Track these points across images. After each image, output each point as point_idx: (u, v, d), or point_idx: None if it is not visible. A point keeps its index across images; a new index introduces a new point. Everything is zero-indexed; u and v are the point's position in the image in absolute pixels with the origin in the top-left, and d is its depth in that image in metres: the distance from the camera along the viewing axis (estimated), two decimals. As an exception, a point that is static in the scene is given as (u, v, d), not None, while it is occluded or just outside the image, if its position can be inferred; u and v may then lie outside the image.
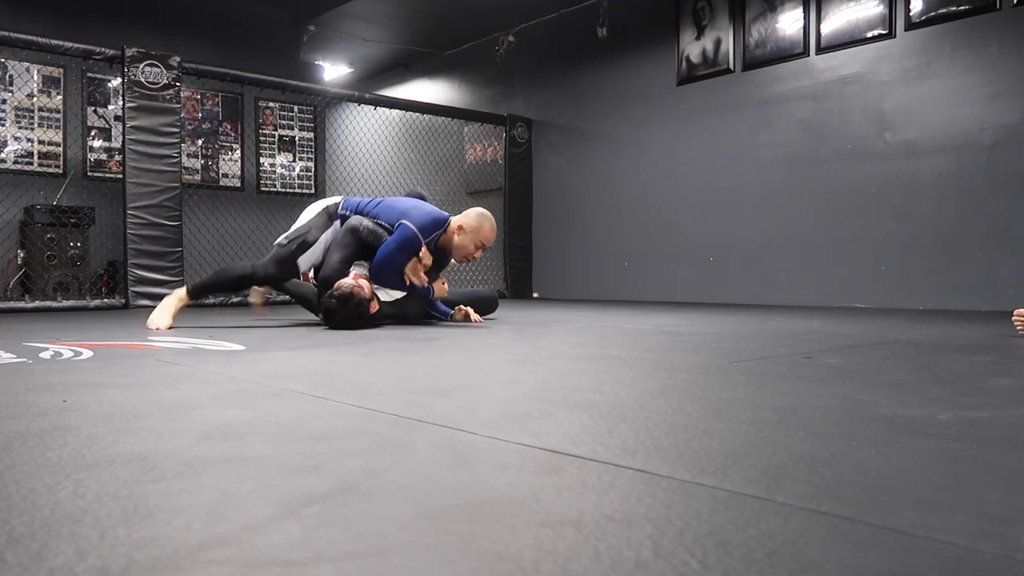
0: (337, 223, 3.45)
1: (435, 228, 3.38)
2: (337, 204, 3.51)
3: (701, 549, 0.61)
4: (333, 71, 9.07)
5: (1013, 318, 2.69)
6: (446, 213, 3.49)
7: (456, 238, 3.43)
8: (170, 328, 3.08)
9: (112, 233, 6.03)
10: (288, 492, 0.76)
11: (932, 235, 4.84)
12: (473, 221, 3.44)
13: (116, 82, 6.35)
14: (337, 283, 3.11)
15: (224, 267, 3.53)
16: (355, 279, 3.13)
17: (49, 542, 0.62)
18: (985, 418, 1.17)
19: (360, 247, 3.35)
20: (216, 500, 0.74)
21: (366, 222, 3.37)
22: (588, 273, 6.95)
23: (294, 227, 3.45)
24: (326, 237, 3.41)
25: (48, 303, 4.85)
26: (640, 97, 6.51)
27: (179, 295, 3.25)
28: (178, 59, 5.29)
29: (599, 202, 6.86)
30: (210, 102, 7.14)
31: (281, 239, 3.39)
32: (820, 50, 5.37)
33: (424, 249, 3.34)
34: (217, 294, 3.59)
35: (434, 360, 2.02)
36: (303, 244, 3.35)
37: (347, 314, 3.05)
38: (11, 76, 6.08)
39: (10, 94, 6.12)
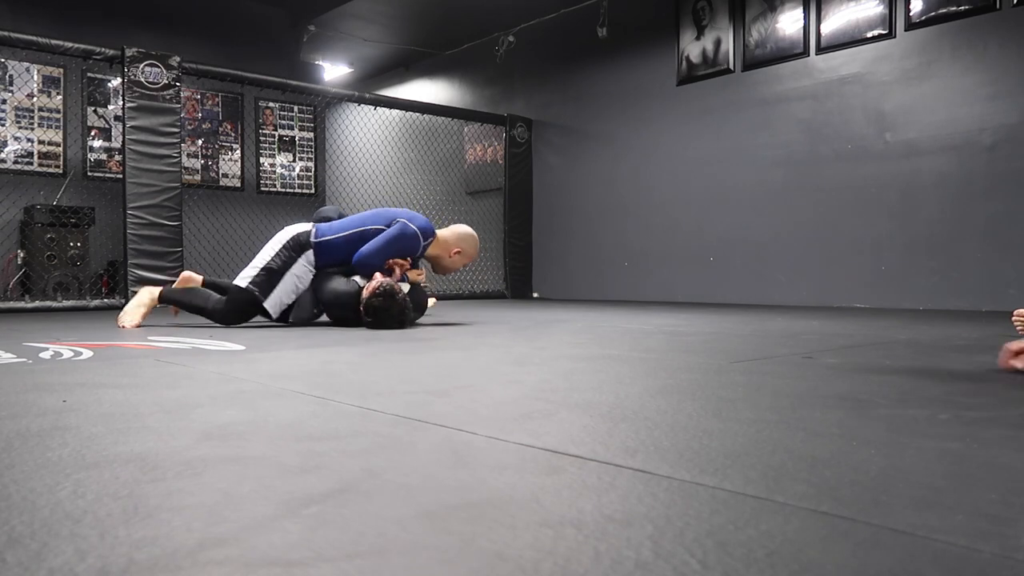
0: (309, 254, 3.32)
1: (430, 234, 3.48)
2: (308, 232, 3.37)
3: (701, 549, 0.61)
4: (333, 71, 9.07)
5: (1013, 318, 2.68)
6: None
7: (449, 259, 3.54)
8: (138, 326, 3.20)
9: (112, 233, 6.03)
10: (288, 492, 0.76)
11: (932, 235, 4.84)
12: (471, 248, 3.58)
13: (116, 82, 6.36)
14: (375, 283, 3.11)
15: (197, 290, 3.41)
16: (381, 278, 3.17)
17: (49, 542, 0.62)
18: (985, 418, 1.17)
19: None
20: (216, 500, 0.74)
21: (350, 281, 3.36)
22: (588, 273, 6.95)
23: (257, 259, 3.35)
24: (298, 271, 3.31)
25: (48, 303, 4.85)
26: (640, 97, 6.51)
27: (152, 294, 3.31)
28: (178, 59, 5.29)
29: (599, 202, 6.86)
30: (210, 102, 7.14)
31: (241, 278, 3.30)
32: (820, 50, 5.37)
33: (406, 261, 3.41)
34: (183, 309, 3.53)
35: (434, 360, 2.01)
36: (267, 281, 3.26)
37: (398, 311, 3.10)
38: (11, 76, 6.09)
39: (10, 94, 6.12)
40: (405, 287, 3.34)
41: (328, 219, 3.55)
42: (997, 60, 4.59)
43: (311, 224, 3.47)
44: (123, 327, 3.19)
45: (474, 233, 3.64)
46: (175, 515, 0.69)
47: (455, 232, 3.57)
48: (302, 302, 3.38)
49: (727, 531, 0.65)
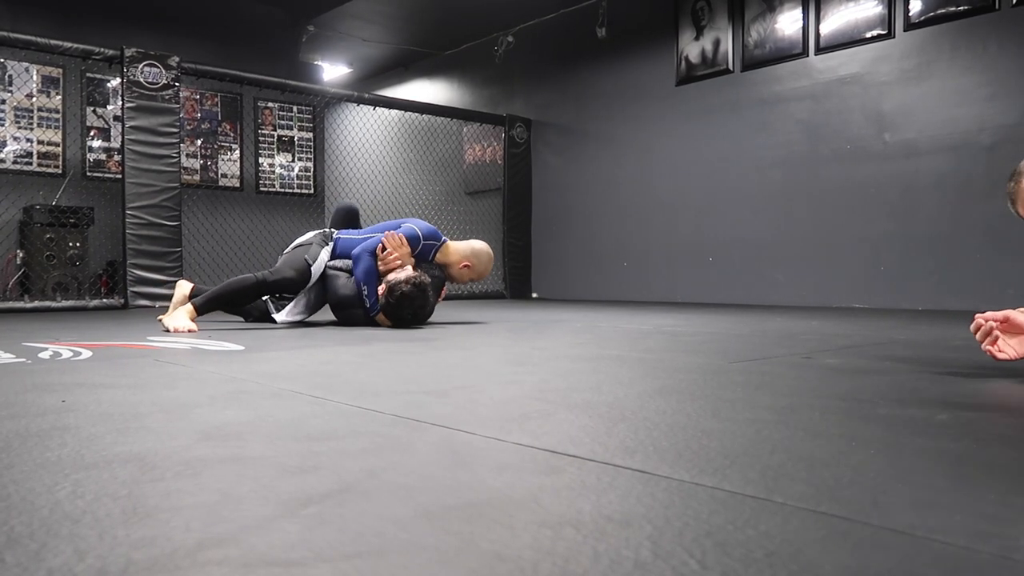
0: (329, 248, 3.41)
1: (435, 238, 3.50)
2: (330, 233, 3.50)
3: (700, 549, 0.61)
4: (332, 71, 9.07)
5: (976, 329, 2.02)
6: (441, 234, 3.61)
7: (457, 270, 3.54)
8: (191, 331, 2.93)
9: (111, 233, 6.02)
10: (287, 492, 0.76)
11: (931, 235, 4.84)
12: (481, 266, 3.55)
13: (115, 82, 6.35)
14: (406, 274, 3.11)
15: (229, 281, 3.34)
16: (411, 270, 3.18)
17: (48, 542, 0.62)
18: (984, 418, 1.17)
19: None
20: (215, 500, 0.74)
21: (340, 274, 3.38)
22: (587, 273, 6.95)
23: (293, 247, 3.45)
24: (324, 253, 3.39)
25: (47, 303, 4.84)
26: (639, 97, 6.51)
27: (188, 310, 3.08)
28: (177, 59, 5.29)
29: (598, 202, 6.86)
30: (209, 102, 7.14)
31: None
32: (819, 50, 5.37)
33: (406, 243, 3.37)
34: (224, 308, 3.39)
35: (433, 360, 2.01)
36: (309, 253, 3.34)
37: (420, 304, 3.11)
38: (10, 76, 6.08)
39: (9, 94, 6.12)
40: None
41: (349, 210, 3.75)
42: (996, 60, 4.59)
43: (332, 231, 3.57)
44: (187, 331, 2.92)
45: (490, 252, 3.61)
46: (174, 515, 0.69)
47: (470, 246, 3.58)
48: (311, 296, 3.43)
49: (726, 531, 0.65)
